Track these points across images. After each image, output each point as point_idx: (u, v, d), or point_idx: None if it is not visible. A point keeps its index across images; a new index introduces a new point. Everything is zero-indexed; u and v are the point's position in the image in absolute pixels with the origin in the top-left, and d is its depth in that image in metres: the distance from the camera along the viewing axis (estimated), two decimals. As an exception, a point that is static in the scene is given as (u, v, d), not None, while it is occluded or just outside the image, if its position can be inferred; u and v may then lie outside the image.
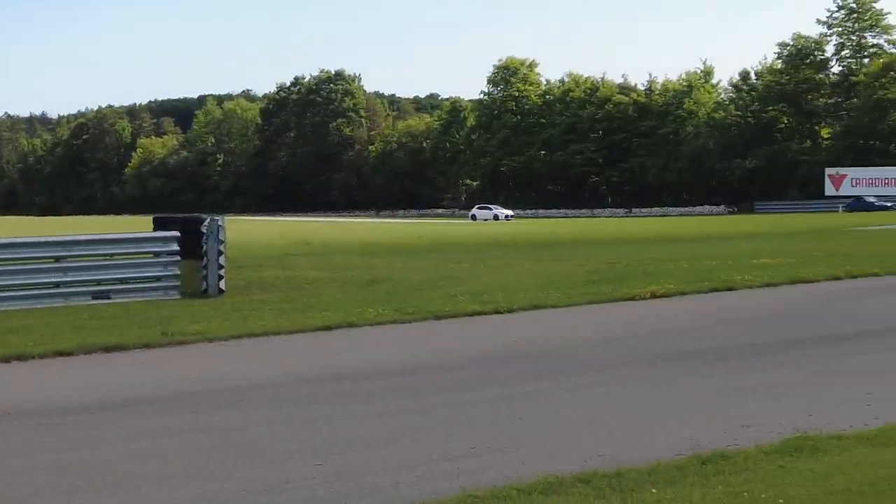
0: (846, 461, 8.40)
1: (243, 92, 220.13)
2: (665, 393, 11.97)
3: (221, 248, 23.47)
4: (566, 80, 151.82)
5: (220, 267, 23.41)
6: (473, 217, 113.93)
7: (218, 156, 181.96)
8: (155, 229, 26.41)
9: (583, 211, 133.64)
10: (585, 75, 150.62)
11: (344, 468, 8.99)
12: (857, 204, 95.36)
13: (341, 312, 19.26)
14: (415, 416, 11.23)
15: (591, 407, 11.36)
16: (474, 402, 11.71)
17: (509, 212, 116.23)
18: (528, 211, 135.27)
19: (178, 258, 23.58)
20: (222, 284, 23.46)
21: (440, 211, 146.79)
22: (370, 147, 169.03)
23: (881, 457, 8.50)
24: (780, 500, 7.31)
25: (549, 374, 13.40)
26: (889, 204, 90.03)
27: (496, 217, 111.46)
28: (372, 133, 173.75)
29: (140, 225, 42.43)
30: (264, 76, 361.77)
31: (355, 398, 12.20)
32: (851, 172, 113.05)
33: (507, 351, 15.44)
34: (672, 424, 10.34)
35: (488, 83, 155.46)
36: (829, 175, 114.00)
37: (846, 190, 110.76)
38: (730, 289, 22.33)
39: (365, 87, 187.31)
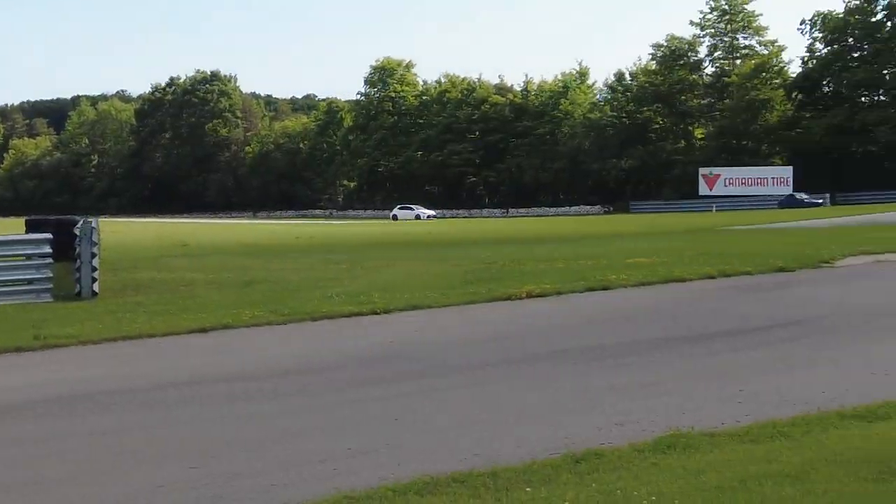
0: (718, 458, 8.50)
1: (118, 93, 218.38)
2: (540, 392, 12.02)
3: (95, 249, 23.19)
4: (443, 80, 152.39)
5: (94, 269, 23.12)
6: (395, 217, 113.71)
7: (92, 157, 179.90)
8: (27, 231, 26.15)
9: (460, 211, 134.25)
10: (462, 76, 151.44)
11: (219, 471, 8.92)
12: (788, 201, 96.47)
13: (217, 314, 19.13)
14: (290, 417, 11.18)
15: (467, 406, 11.38)
16: (350, 403, 11.69)
17: (431, 212, 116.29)
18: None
19: (50, 260, 23.29)
20: (96, 287, 23.17)
21: (318, 212, 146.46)
22: (247, 148, 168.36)
23: (752, 453, 8.61)
24: (653, 497, 7.37)
25: (425, 375, 13.40)
26: (819, 200, 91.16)
27: (418, 217, 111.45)
28: (248, 134, 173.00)
29: (12, 227, 41.79)
30: (139, 77, 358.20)
31: (231, 400, 12.12)
32: (724, 172, 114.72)
33: (383, 352, 15.42)
34: (547, 423, 10.37)
35: (365, 84, 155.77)
36: (702, 175, 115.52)
37: (720, 190, 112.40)
38: (605, 288, 22.46)
39: (241, 88, 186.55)
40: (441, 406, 11.47)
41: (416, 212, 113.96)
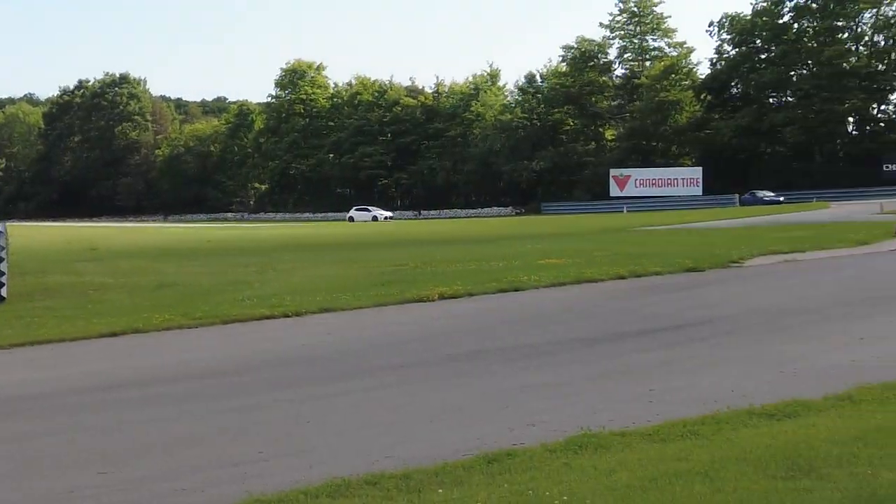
0: (629, 457, 8.55)
1: (25, 96, 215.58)
2: (453, 393, 12.03)
3: (3, 254, 22.93)
4: (354, 82, 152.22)
5: (2, 274, 22.85)
6: (351, 219, 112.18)
7: (0, 161, 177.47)
8: (-67, 236, 25.61)
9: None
10: (373, 78, 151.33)
11: (130, 476, 8.86)
12: (750, 199, 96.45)
13: (128, 318, 19.01)
14: (201, 421, 11.12)
15: (379, 409, 11.37)
16: (262, 407, 11.64)
17: (388, 213, 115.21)
18: (317, 214, 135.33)
19: (-43, 266, 22.95)
20: (4, 291, 22.91)
21: (229, 215, 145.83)
22: (157, 151, 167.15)
23: (663, 452, 8.67)
24: (565, 497, 7.38)
25: (338, 377, 13.38)
26: (781, 199, 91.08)
27: (375, 218, 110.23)
28: (159, 137, 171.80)
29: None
30: (47, 80, 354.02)
31: (142, 404, 12.04)
32: (635, 173, 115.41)
33: (295, 355, 15.39)
34: (460, 424, 10.40)
35: (276, 86, 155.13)
36: (613, 176, 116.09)
37: (630, 191, 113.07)
38: (517, 289, 22.54)
39: (151, 91, 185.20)
40: (353, 408, 11.45)
41: (373, 213, 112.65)
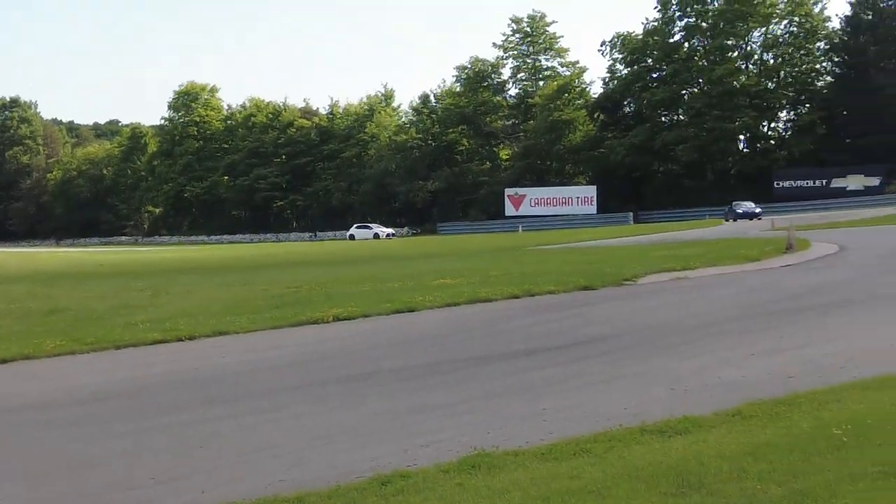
0: (522, 476, 8.57)
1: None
2: (348, 414, 11.99)
3: None
4: (248, 104, 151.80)
5: None
6: (352, 237, 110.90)
7: None
8: None
9: (268, 235, 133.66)
10: (267, 100, 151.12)
11: (18, 500, 8.73)
12: (746, 213, 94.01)
13: (18, 344, 18.69)
14: (93, 445, 11.01)
15: (274, 431, 11.30)
16: (155, 431, 11.54)
17: (390, 230, 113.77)
18: (212, 237, 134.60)
19: None
20: None
21: (123, 238, 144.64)
22: (49, 175, 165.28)
23: (556, 471, 8.70)
24: (458, 518, 7.40)
25: (232, 400, 13.27)
26: (758, 210, 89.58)
27: (376, 236, 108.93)
28: (51, 161, 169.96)
29: None
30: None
31: (32, 430, 11.89)
32: (530, 192, 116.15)
33: (189, 378, 15.25)
34: (354, 446, 10.37)
35: (169, 108, 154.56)
36: (508, 196, 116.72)
37: (525, 210, 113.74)
38: (411, 310, 22.51)
39: (42, 115, 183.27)
40: (248, 431, 11.37)
41: (375, 230, 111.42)
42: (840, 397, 11.03)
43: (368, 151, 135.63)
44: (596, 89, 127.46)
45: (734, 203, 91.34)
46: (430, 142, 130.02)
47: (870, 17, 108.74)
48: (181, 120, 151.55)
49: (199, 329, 20.15)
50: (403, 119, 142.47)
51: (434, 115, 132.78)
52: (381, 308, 22.62)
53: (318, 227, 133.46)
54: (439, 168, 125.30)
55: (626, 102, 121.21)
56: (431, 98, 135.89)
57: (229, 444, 10.83)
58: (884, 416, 9.86)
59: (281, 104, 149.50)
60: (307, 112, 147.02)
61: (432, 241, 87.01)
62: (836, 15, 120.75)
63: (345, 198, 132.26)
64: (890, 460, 8.29)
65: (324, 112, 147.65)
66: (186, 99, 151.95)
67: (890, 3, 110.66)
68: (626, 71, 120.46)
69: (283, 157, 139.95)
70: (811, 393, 11.32)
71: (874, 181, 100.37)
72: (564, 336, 17.63)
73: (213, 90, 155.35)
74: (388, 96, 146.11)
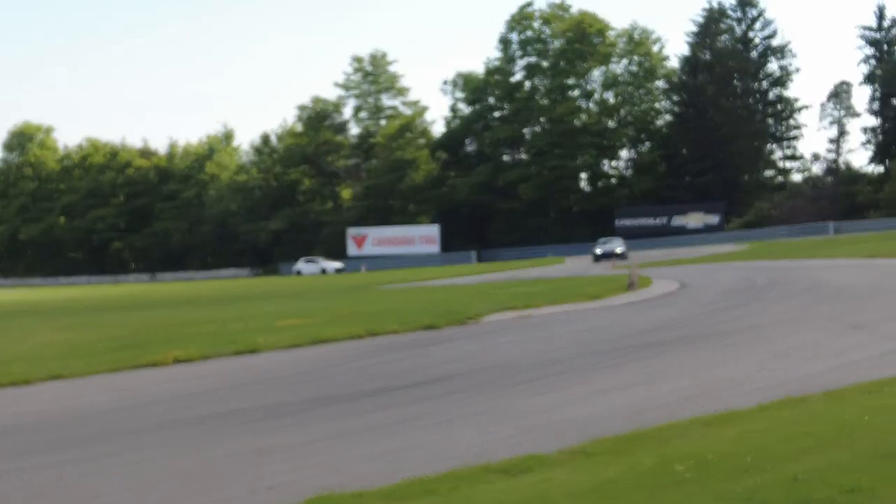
0: (366, 519, 8.44)
1: None
2: (191, 458, 11.75)
3: None
4: (85, 144, 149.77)
5: None
6: (299, 272, 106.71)
7: None
8: None
9: (106, 277, 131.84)
10: (105, 140, 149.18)
11: None
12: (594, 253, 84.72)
13: None
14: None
15: (113, 477, 11.00)
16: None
17: (339, 264, 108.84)
18: (49, 279, 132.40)
19: None
20: None
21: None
22: None
23: (401, 512, 8.58)
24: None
25: (68, 446, 12.89)
26: (619, 249, 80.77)
27: (323, 270, 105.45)
28: None
29: None
30: None
31: None
32: (372, 232, 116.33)
33: (22, 424, 14.82)
34: (198, 490, 10.16)
35: (3, 149, 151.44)
36: (351, 236, 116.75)
37: (368, 249, 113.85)
38: (254, 351, 22.32)
39: None
40: (84, 478, 11.05)
41: (321, 265, 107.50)
42: (683, 433, 11.09)
43: (209, 192, 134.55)
44: (438, 128, 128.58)
45: (599, 241, 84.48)
46: (271, 182, 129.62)
47: (707, 56, 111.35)
48: (15, 160, 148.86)
49: (34, 373, 19.64)
50: (244, 159, 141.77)
51: (275, 155, 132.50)
52: (224, 350, 22.38)
53: (157, 269, 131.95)
54: (281, 208, 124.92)
55: (468, 141, 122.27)
56: (272, 137, 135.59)
57: (65, 491, 10.52)
58: (725, 452, 9.93)
59: (119, 144, 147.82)
60: (146, 152, 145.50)
61: (275, 282, 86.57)
62: (675, 55, 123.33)
63: (185, 239, 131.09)
64: (730, 495, 8.34)
65: (163, 152, 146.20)
66: (21, 139, 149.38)
67: (727, 42, 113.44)
68: (467, 110, 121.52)
69: (122, 197, 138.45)
70: (655, 429, 11.36)
71: (714, 219, 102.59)
72: (409, 376, 17.54)
73: (49, 130, 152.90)
74: (228, 136, 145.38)
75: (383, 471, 10.35)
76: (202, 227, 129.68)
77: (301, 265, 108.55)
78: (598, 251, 78.05)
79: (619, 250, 76.89)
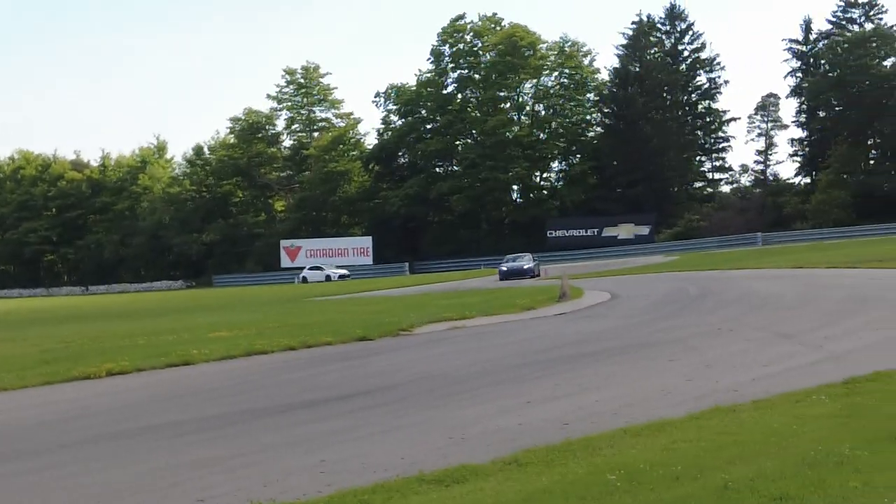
0: (300, 529, 8.48)
1: None
2: (121, 472, 11.69)
3: None
4: (16, 157, 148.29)
5: None
6: (305, 279, 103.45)
7: None
8: None
9: (38, 290, 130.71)
10: (37, 152, 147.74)
11: None
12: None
13: None
14: None
15: (45, 491, 10.96)
16: None
17: (343, 271, 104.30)
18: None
19: None
20: None
21: None
22: None
23: (333, 522, 8.63)
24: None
25: (-1, 461, 12.84)
26: (526, 265, 76.86)
27: (328, 277, 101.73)
28: None
29: None
30: None
31: None
32: (306, 244, 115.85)
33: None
34: (129, 503, 10.13)
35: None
36: (284, 247, 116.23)
37: (302, 261, 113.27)
38: (187, 363, 22.28)
39: None
40: (17, 492, 11.00)
41: (327, 272, 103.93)
42: (613, 443, 11.19)
43: (142, 204, 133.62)
44: (371, 140, 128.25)
45: (505, 258, 77.82)
46: (204, 193, 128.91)
47: (637, 69, 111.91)
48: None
49: (-38, 388, 19.51)
50: (177, 171, 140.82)
51: (208, 167, 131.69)
52: (156, 362, 22.32)
53: (90, 281, 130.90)
54: (214, 220, 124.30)
55: (400, 153, 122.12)
56: (205, 149, 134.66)
57: (-5, 506, 10.49)
58: (655, 461, 10.03)
59: (50, 156, 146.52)
60: (78, 164, 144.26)
61: (209, 294, 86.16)
62: (605, 67, 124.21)
63: (118, 251, 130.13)
64: (660, 503, 8.46)
65: (95, 164, 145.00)
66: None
67: (656, 55, 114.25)
68: (400, 122, 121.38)
69: (54, 210, 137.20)
70: (586, 439, 11.46)
71: (644, 230, 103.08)
72: (342, 387, 17.58)
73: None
74: (160, 148, 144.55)
75: (316, 482, 10.38)
76: (135, 239, 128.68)
77: (307, 272, 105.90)
78: (504, 268, 70.76)
79: (526, 267, 71.02)
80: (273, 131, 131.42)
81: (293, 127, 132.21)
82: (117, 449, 13.23)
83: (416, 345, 24.75)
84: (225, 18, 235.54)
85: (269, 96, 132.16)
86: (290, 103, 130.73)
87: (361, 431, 13.37)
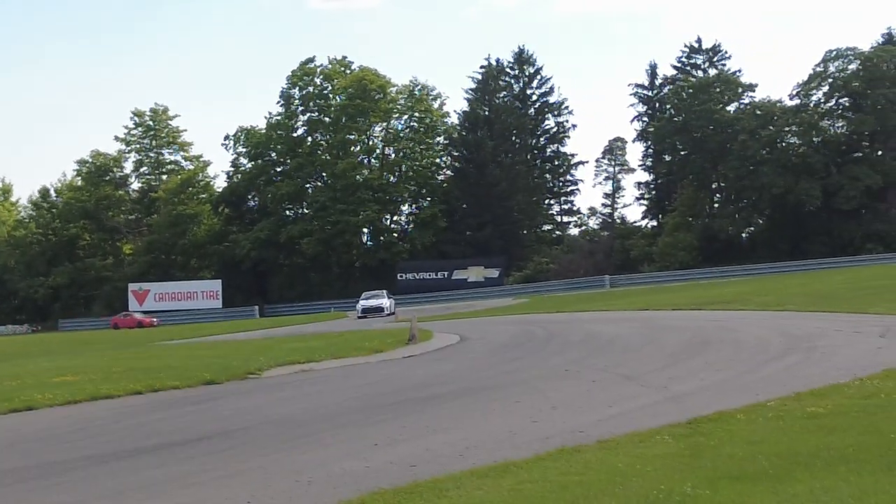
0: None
1: None
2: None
3: None
4: None
5: None
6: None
7: None
8: None
9: None
10: None
11: None
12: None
13: None
14: None
15: None
16: None
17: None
18: None
19: None
20: None
21: None
22: None
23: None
24: None
25: None
26: (380, 303, 74.88)
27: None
28: None
29: None
30: None
31: None
32: (154, 287, 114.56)
33: None
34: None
35: None
36: (132, 291, 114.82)
37: (150, 305, 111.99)
38: (30, 408, 21.95)
39: None
40: None
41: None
42: (460, 484, 11.27)
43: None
44: (220, 183, 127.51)
45: (363, 295, 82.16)
46: (50, 237, 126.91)
47: (486, 112, 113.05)
48: None
49: None
50: (22, 213, 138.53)
51: (54, 210, 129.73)
52: (-2, 407, 21.92)
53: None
54: (60, 263, 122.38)
55: (250, 196, 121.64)
56: (52, 192, 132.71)
57: None
58: (501, 503, 10.15)
59: None
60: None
61: (54, 338, 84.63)
62: (455, 111, 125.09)
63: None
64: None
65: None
66: None
67: (505, 99, 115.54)
68: (250, 165, 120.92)
69: None
70: (433, 481, 11.53)
71: (493, 273, 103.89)
72: (187, 431, 17.45)
73: None
74: (5, 190, 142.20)
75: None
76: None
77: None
78: (364, 305, 74.73)
79: (384, 304, 74.26)
80: (121, 174, 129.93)
81: (141, 169, 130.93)
82: (-44, 498, 13.00)
83: (263, 388, 24.66)
84: (72, 59, 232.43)
85: (116, 138, 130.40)
86: (138, 145, 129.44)
87: (206, 476, 13.30)
